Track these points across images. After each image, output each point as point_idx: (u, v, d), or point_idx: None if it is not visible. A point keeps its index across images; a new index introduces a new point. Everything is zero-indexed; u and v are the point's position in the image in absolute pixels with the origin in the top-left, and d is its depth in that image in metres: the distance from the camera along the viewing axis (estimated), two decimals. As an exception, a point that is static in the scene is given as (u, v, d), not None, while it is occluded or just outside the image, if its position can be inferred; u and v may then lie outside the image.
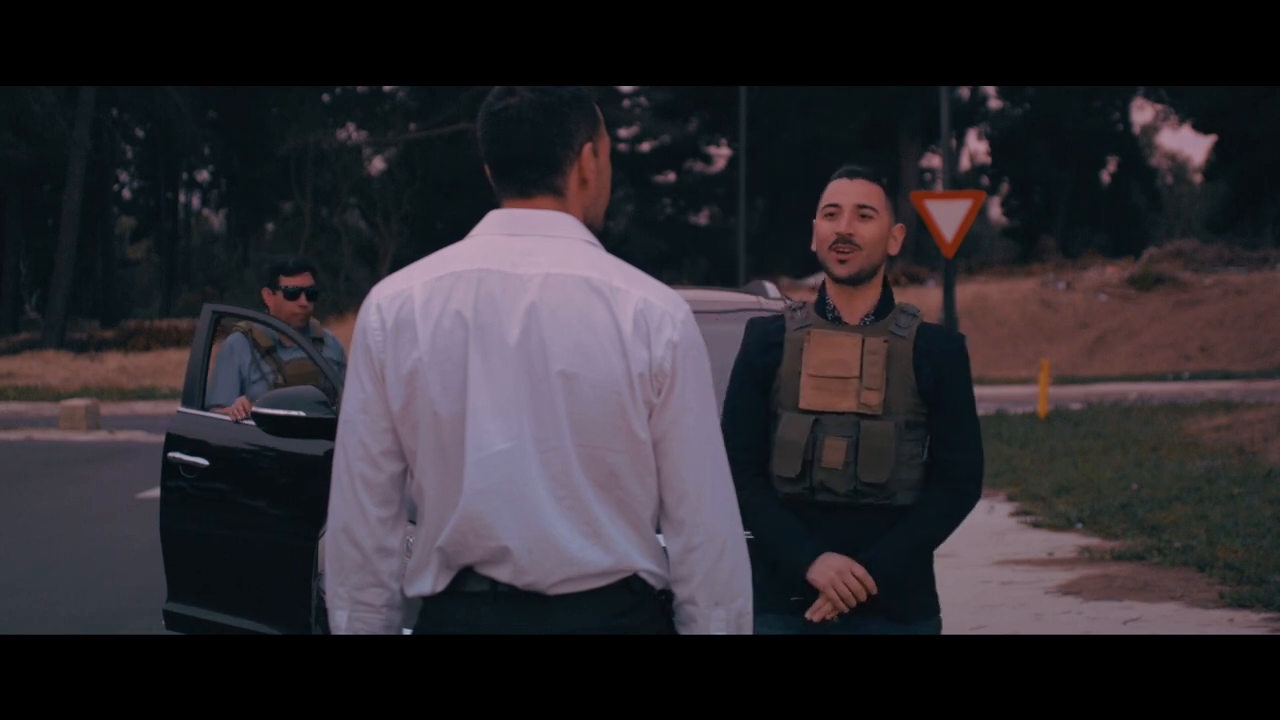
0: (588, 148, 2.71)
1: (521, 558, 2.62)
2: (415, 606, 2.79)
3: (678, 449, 2.67)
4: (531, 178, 2.69)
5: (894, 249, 3.76)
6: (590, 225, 2.76)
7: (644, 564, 2.68)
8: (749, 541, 3.01)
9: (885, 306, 3.75)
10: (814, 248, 3.78)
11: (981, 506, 12.63)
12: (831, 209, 3.72)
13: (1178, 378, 31.55)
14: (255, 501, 6.08)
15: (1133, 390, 27.48)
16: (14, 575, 9.92)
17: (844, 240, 3.67)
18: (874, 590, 3.62)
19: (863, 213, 3.69)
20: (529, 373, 2.60)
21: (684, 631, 2.74)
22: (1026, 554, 10.08)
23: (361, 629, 2.76)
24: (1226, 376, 31.30)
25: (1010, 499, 12.91)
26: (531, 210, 2.69)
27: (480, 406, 2.61)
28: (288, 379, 6.36)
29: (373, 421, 2.69)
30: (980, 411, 23.90)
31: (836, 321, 3.73)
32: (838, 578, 3.61)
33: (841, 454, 3.63)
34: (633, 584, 2.68)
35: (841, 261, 3.68)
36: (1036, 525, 11.40)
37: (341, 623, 2.77)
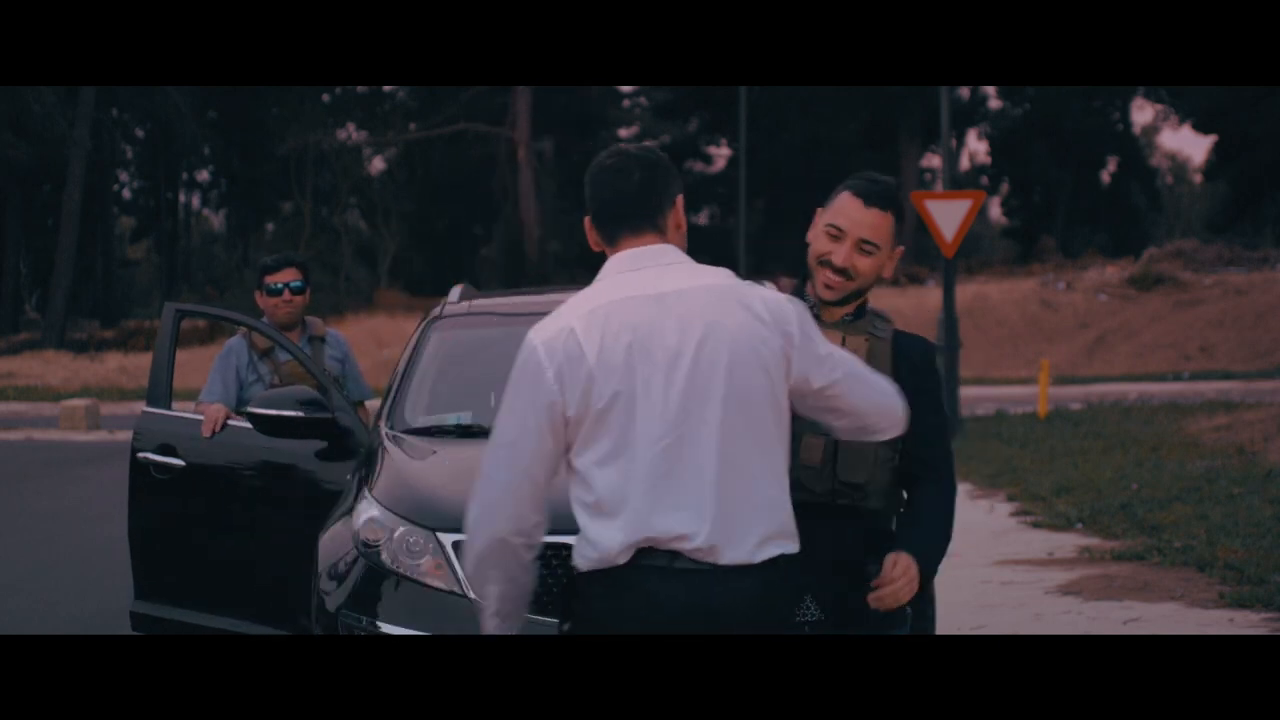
0: (680, 199, 3.23)
1: (698, 534, 2.97)
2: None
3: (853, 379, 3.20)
4: (640, 218, 3.16)
5: (888, 274, 3.64)
6: None
7: (789, 536, 3.07)
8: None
9: (861, 309, 3.68)
10: (809, 239, 3.64)
11: (982, 506, 12.62)
12: (835, 231, 3.57)
13: (1178, 378, 31.54)
14: (230, 500, 6.04)
15: (1133, 390, 27.46)
16: (14, 575, 9.92)
17: (839, 271, 3.56)
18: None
19: (865, 248, 3.56)
20: (689, 366, 3.01)
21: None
22: (1026, 554, 10.08)
23: (510, 610, 3.14)
24: (1226, 376, 31.27)
25: (1010, 499, 12.90)
26: (644, 247, 3.15)
27: (650, 398, 2.99)
28: (284, 380, 6.37)
29: (535, 439, 3.04)
30: (980, 411, 23.69)
31: (817, 318, 3.60)
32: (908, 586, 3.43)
33: (819, 452, 3.53)
34: (780, 562, 3.04)
35: (829, 288, 3.59)
36: (1036, 525, 11.39)
37: (492, 604, 3.13)
